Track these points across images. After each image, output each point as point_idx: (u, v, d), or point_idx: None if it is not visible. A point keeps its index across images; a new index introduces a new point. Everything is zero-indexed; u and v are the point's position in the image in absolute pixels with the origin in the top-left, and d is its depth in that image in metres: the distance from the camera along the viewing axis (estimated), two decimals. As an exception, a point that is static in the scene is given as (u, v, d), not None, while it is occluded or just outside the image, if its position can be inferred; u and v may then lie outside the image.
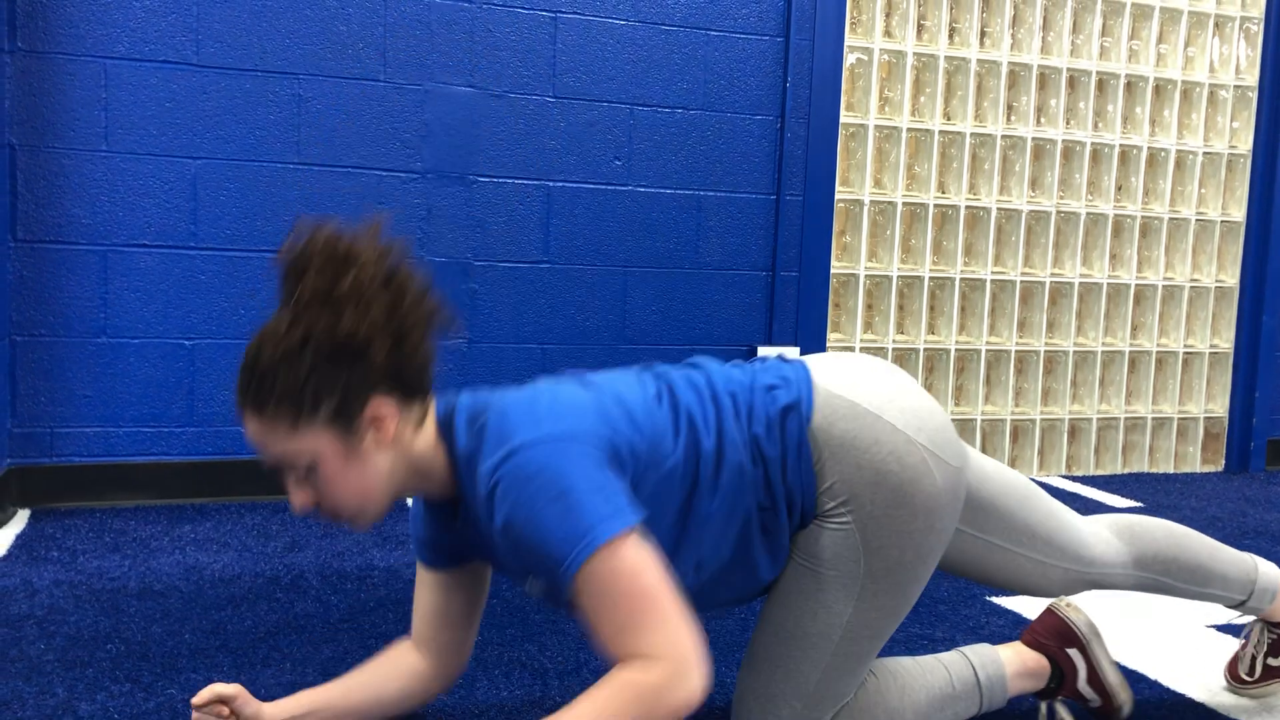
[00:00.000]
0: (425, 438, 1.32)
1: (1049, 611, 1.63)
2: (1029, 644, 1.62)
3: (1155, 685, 1.85)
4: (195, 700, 1.45)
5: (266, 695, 1.66)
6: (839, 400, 1.39)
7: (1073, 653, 1.60)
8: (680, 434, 1.33)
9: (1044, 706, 1.63)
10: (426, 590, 1.55)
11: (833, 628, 1.38)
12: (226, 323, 2.81)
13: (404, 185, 2.91)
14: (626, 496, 1.21)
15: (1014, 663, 1.57)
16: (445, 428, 1.32)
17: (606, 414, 1.28)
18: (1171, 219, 3.74)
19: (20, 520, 2.59)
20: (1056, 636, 1.61)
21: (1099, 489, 3.44)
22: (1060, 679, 1.60)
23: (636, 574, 1.15)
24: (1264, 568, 1.68)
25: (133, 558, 2.34)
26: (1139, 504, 3.24)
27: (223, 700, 1.45)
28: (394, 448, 1.29)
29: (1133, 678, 1.86)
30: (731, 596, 1.44)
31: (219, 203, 2.77)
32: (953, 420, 3.54)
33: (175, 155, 2.73)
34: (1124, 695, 1.63)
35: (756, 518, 1.38)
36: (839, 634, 1.38)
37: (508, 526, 1.19)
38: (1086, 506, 3.18)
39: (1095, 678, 1.61)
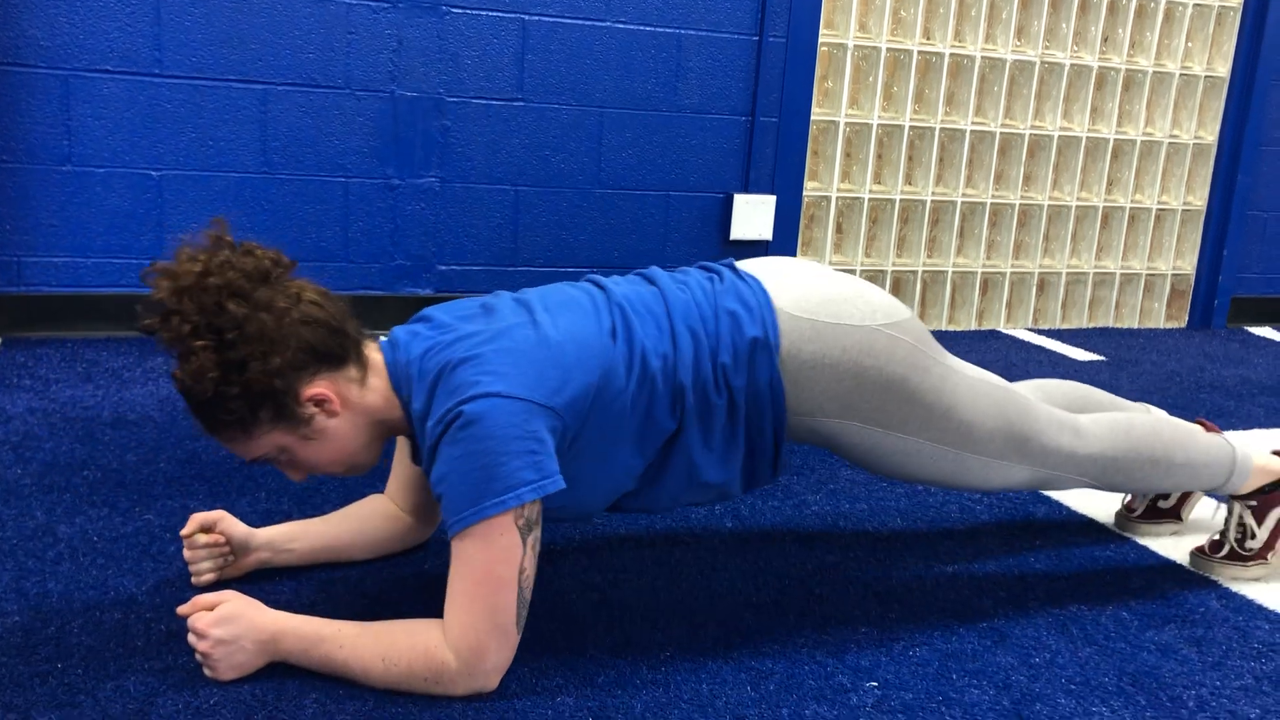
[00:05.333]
0: (375, 392, 1.34)
1: None
2: (1274, 452, 1.78)
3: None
4: (183, 531, 1.49)
5: (246, 523, 1.70)
6: (801, 323, 1.42)
7: None
8: (634, 371, 1.34)
9: (1234, 504, 1.75)
10: (403, 462, 1.61)
11: (918, 447, 1.48)
12: (195, 154, 2.75)
13: (373, 15, 2.82)
14: (540, 467, 1.24)
15: (1259, 456, 1.74)
16: (397, 380, 1.34)
17: (558, 358, 1.29)
18: (1156, 73, 3.69)
19: (-9, 349, 2.60)
20: None
21: (1063, 342, 3.50)
22: (1276, 487, 1.73)
23: (493, 562, 1.23)
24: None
25: (105, 388, 2.35)
26: (1101, 358, 3.31)
27: (208, 526, 1.50)
28: (347, 410, 1.33)
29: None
30: (710, 498, 1.49)
31: (183, 28, 2.68)
32: (923, 273, 3.56)
33: (136, -24, 2.63)
34: (1278, 560, 1.72)
35: (728, 438, 1.41)
36: (927, 443, 1.48)
37: (435, 475, 1.26)
38: (1050, 359, 3.24)
39: None
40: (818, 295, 1.45)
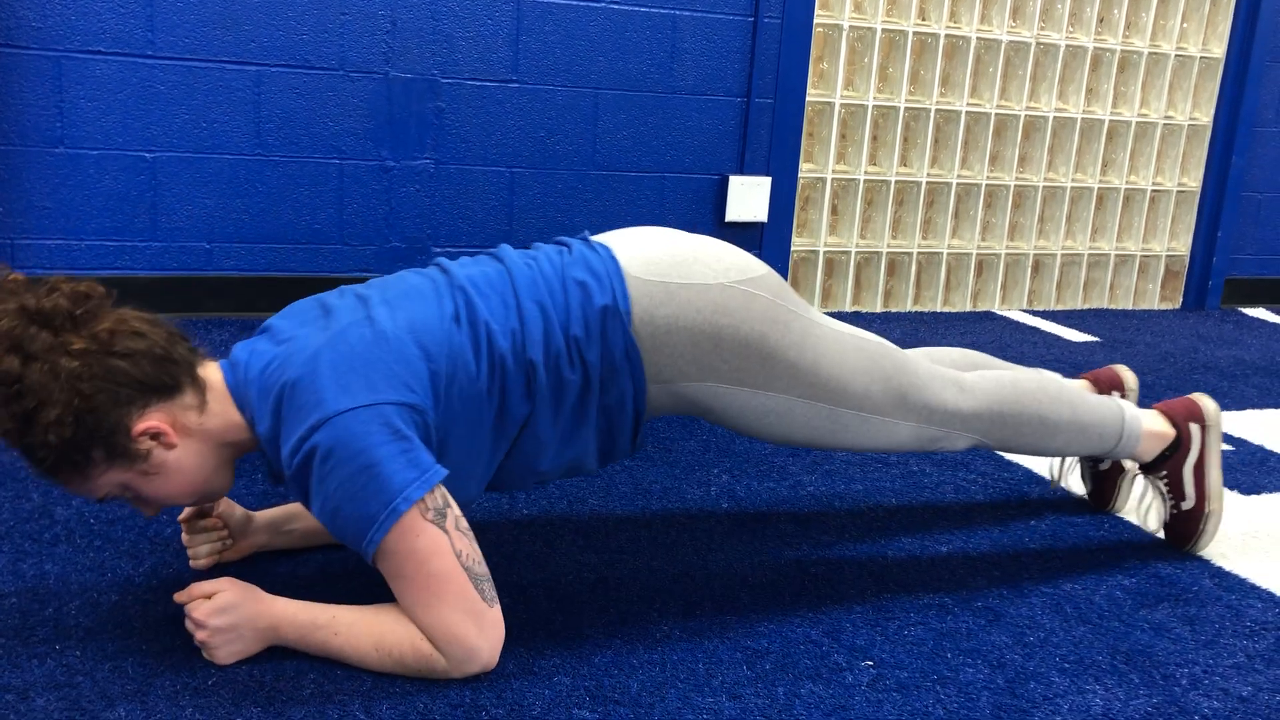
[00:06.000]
0: (216, 416, 1.30)
1: (1184, 396, 1.75)
2: (1159, 410, 1.74)
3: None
4: (181, 516, 1.49)
5: (242, 505, 1.70)
6: (651, 286, 1.39)
7: (1194, 429, 1.70)
8: (482, 354, 1.31)
9: (1144, 480, 1.75)
10: None
11: (789, 405, 1.45)
12: (188, 135, 2.74)
13: (368, -4, 2.81)
14: (418, 462, 1.21)
15: (1149, 419, 1.71)
16: (240, 401, 1.30)
17: (399, 354, 1.26)
18: (1151, 54, 3.69)
19: (-15, 332, 2.59)
20: (1184, 409, 1.72)
21: (1058, 324, 3.51)
22: (1175, 448, 1.70)
23: (425, 559, 1.21)
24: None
25: (101, 371, 2.35)
26: (1096, 339, 3.31)
27: (206, 510, 1.49)
28: (187, 440, 1.28)
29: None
30: (557, 475, 1.48)
31: (176, 9, 2.67)
32: (918, 254, 3.56)
33: (127, -44, 2.61)
34: (1216, 504, 1.71)
35: (578, 417, 1.40)
36: (799, 400, 1.45)
37: (319, 514, 1.24)
38: (1044, 341, 3.24)
39: (1201, 468, 1.70)
40: (668, 257, 1.42)
